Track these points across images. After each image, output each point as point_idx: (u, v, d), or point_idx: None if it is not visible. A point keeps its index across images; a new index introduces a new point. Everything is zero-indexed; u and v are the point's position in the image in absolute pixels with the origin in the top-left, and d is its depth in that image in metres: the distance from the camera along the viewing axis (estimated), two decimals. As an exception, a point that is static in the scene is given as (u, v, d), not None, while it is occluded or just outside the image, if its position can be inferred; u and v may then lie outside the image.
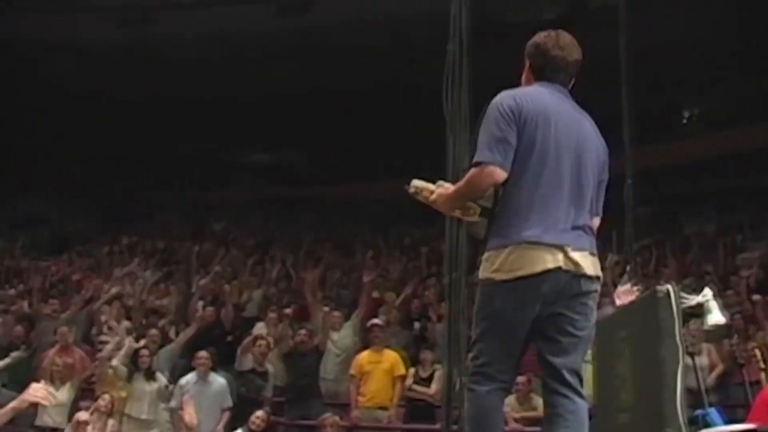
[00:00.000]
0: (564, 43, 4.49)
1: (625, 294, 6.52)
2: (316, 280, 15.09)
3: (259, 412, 10.69)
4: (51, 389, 5.24)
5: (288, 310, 13.24)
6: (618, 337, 6.10)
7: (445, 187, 4.45)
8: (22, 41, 23.31)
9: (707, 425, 5.90)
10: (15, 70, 23.43)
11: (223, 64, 23.42)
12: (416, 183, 4.52)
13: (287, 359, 12.49)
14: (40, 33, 23.19)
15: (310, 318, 13.85)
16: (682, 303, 5.68)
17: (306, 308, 14.36)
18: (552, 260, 4.14)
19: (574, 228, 4.23)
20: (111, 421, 11.04)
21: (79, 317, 13.68)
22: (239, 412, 11.23)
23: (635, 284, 6.53)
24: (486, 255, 4.28)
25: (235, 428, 10.94)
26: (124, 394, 11.61)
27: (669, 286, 5.60)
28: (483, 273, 4.27)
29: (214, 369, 11.80)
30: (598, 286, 4.34)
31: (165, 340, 12.86)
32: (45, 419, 11.52)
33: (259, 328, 13.26)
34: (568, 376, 4.25)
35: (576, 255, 4.19)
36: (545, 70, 4.49)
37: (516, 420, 11.66)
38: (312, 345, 12.56)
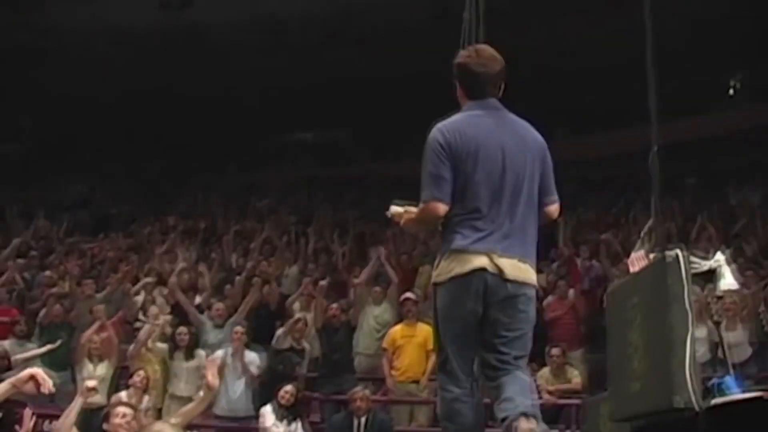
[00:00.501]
0: (484, 59, 4.86)
1: (638, 260, 6.41)
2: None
3: (288, 387, 10.67)
4: (46, 377, 5.18)
5: (322, 283, 13.13)
6: (629, 305, 6.02)
7: (410, 213, 4.98)
8: (64, 27, 23.54)
9: (722, 393, 5.76)
10: (55, 55, 23.74)
11: (263, 45, 23.50)
12: (392, 209, 5.10)
13: (321, 333, 12.52)
14: (81, 18, 23.36)
15: (346, 294, 13.84)
16: (693, 268, 5.58)
17: (343, 284, 14.36)
18: (478, 262, 4.61)
19: (506, 237, 4.68)
20: (146, 397, 11.13)
21: (116, 296, 13.76)
22: (270, 388, 11.24)
23: (650, 251, 6.39)
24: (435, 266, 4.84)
25: (265, 403, 10.95)
26: (157, 368, 11.72)
27: (678, 251, 5.50)
28: (431, 280, 4.90)
29: (247, 345, 11.84)
30: (528, 291, 4.74)
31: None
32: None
33: (298, 309, 13.25)
34: (510, 360, 4.68)
35: (503, 261, 4.63)
36: (474, 89, 4.86)
37: (550, 392, 11.59)
38: (344, 319, 12.55)
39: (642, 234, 6.77)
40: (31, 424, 5.86)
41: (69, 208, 22.53)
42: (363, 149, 29.02)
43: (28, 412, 5.96)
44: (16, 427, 5.42)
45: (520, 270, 4.69)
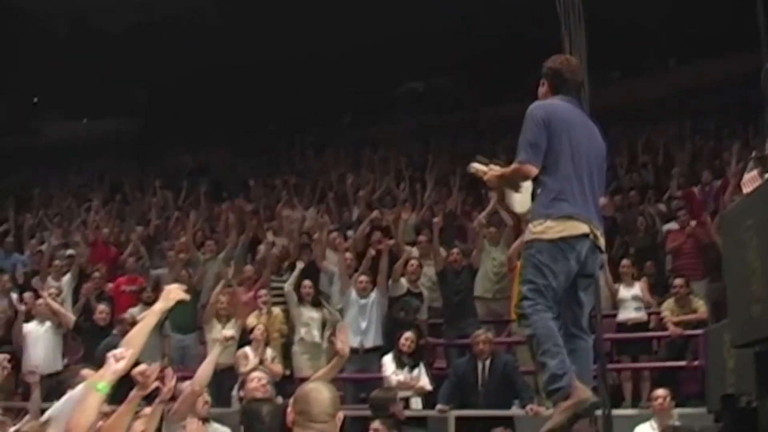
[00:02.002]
0: (574, 66, 5.87)
1: (751, 181, 6.23)
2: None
3: (408, 333, 10.76)
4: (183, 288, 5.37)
5: (436, 219, 13.13)
6: (744, 227, 5.83)
7: (494, 170, 5.71)
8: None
9: None
10: (165, 28, 24.17)
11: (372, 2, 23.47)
12: (475, 166, 5.86)
13: (441, 278, 12.53)
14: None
15: (465, 238, 13.82)
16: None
17: (461, 228, 14.34)
18: (585, 228, 5.41)
19: (593, 208, 5.52)
20: (269, 350, 11.37)
21: (238, 254, 14.01)
22: (390, 337, 11.34)
23: (763, 171, 6.21)
24: (534, 223, 5.47)
25: (386, 353, 11.05)
26: (278, 326, 11.95)
27: (791, 168, 5.33)
28: (530, 236, 5.49)
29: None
30: (600, 257, 5.71)
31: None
32: None
33: (417, 255, 13.29)
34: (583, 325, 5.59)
35: (596, 230, 5.48)
36: (561, 90, 5.71)
37: (675, 324, 11.42)
38: (466, 263, 12.52)
39: (753, 154, 6.58)
40: (173, 383, 6.01)
41: (186, 175, 22.93)
42: (472, 95, 28.84)
43: (170, 371, 6.11)
44: (159, 384, 5.55)
45: (601, 239, 5.52)
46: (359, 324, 11.84)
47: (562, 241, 5.33)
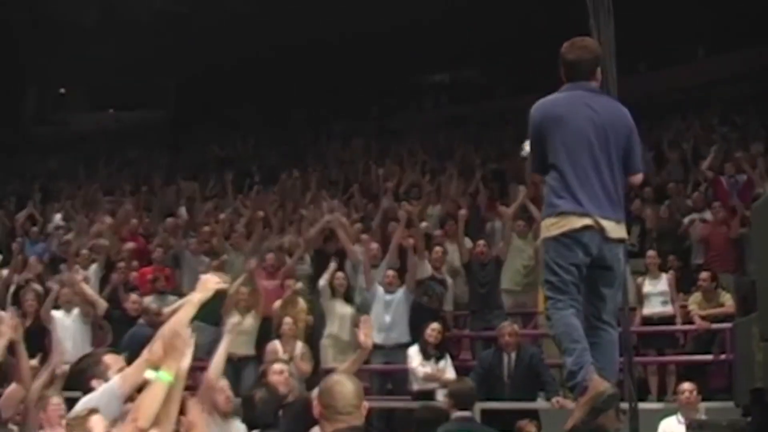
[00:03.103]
0: (577, 47, 5.64)
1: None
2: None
3: (434, 324, 10.72)
4: (222, 278, 5.36)
5: (462, 212, 13.11)
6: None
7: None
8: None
9: None
10: (193, 19, 24.25)
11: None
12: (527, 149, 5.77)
13: (467, 270, 12.54)
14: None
15: (484, 230, 13.81)
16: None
17: (483, 220, 14.32)
18: (587, 221, 5.31)
19: (599, 199, 5.36)
20: (299, 344, 11.34)
21: (263, 248, 14.03)
22: (416, 327, 11.33)
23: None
24: (542, 223, 5.58)
25: (411, 344, 11.04)
26: (303, 317, 11.94)
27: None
28: (541, 236, 5.63)
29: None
30: (621, 247, 5.53)
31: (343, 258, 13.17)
32: (232, 347, 11.87)
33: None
34: (603, 317, 5.48)
35: (602, 221, 5.33)
36: (570, 75, 5.62)
37: (703, 318, 11.36)
38: (492, 255, 12.51)
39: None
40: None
41: (214, 167, 23.01)
42: (498, 86, 28.80)
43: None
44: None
45: (614, 228, 5.38)
46: (384, 319, 11.80)
47: (563, 236, 5.33)
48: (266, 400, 6.40)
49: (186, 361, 4.50)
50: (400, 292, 11.91)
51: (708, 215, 13.50)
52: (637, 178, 5.70)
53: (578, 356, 5.21)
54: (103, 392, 4.85)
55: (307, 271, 13.33)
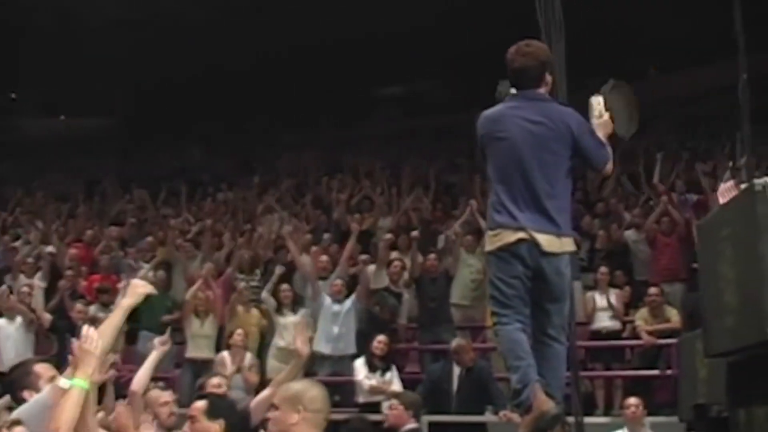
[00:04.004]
0: (522, 54, 5.54)
1: (728, 191, 6.24)
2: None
3: (381, 336, 10.73)
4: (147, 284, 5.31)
5: (415, 234, 13.16)
6: (719, 237, 5.86)
7: None
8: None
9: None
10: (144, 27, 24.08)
11: (351, 1, 23.46)
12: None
13: (417, 284, 12.58)
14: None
15: (435, 244, 13.83)
16: (783, 195, 5.40)
17: (433, 234, 14.36)
18: (521, 234, 5.26)
19: (533, 213, 5.30)
20: (249, 355, 11.31)
21: (217, 258, 13.98)
22: (366, 336, 11.31)
23: (739, 181, 6.22)
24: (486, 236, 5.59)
25: (358, 355, 11.03)
26: (254, 329, 11.90)
27: (767, 180, 5.33)
28: (486, 248, 5.57)
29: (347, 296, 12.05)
30: (563, 261, 5.41)
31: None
32: (193, 352, 11.91)
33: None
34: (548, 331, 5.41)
35: (536, 235, 5.27)
36: (516, 82, 5.57)
37: (649, 333, 11.46)
38: (442, 269, 12.54)
39: (730, 165, 6.60)
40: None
41: (165, 176, 22.88)
42: (452, 100, 28.86)
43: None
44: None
45: (549, 241, 5.31)
46: (332, 330, 11.78)
47: (500, 250, 5.32)
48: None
49: (97, 369, 4.45)
50: (348, 303, 11.92)
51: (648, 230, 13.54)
52: (607, 169, 5.69)
53: (523, 374, 5.18)
54: (34, 403, 4.78)
55: (256, 281, 13.27)
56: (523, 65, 5.52)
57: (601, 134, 5.61)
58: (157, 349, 7.44)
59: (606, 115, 5.68)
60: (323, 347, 11.76)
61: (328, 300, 11.93)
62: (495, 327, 5.43)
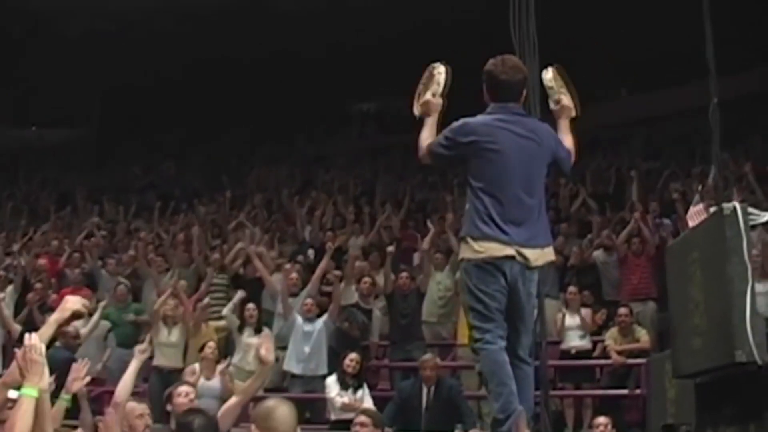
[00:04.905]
0: (509, 67, 5.55)
1: (697, 214, 6.32)
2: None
3: (353, 354, 10.71)
4: (83, 300, 5.29)
5: (390, 249, 13.17)
6: (689, 260, 5.93)
7: (431, 103, 5.85)
8: (126, 9, 23.83)
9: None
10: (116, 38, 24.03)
11: (326, 15, 23.53)
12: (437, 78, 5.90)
13: (389, 300, 12.58)
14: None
15: (410, 261, 13.85)
16: (752, 220, 5.48)
17: (407, 251, 14.37)
18: (510, 251, 5.27)
19: (523, 229, 5.33)
20: (219, 367, 11.26)
21: (187, 273, 13.95)
22: (337, 354, 11.29)
23: (709, 204, 6.29)
24: (462, 244, 5.45)
25: (331, 373, 11.00)
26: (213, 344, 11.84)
27: (735, 203, 5.40)
28: (460, 256, 5.46)
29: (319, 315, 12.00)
30: (536, 273, 5.49)
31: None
32: (161, 360, 11.88)
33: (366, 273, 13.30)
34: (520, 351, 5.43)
35: (525, 251, 5.30)
36: (500, 94, 5.53)
37: (619, 353, 11.51)
38: (413, 286, 12.56)
39: (700, 188, 6.67)
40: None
41: (136, 189, 22.82)
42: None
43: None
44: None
45: (535, 255, 5.36)
46: (303, 350, 11.75)
47: (485, 262, 5.26)
48: (205, 427, 6.29)
49: (46, 377, 4.45)
50: (320, 322, 11.88)
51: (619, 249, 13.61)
52: (571, 162, 5.78)
53: (506, 402, 5.12)
54: None
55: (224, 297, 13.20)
56: (510, 78, 5.52)
57: (566, 126, 5.86)
58: (136, 357, 7.44)
59: (566, 97, 5.92)
60: (294, 367, 11.74)
61: (299, 319, 11.90)
62: (476, 344, 5.31)
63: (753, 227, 5.57)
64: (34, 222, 18.76)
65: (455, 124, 5.53)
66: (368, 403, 10.61)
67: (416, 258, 14.26)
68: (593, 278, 13.52)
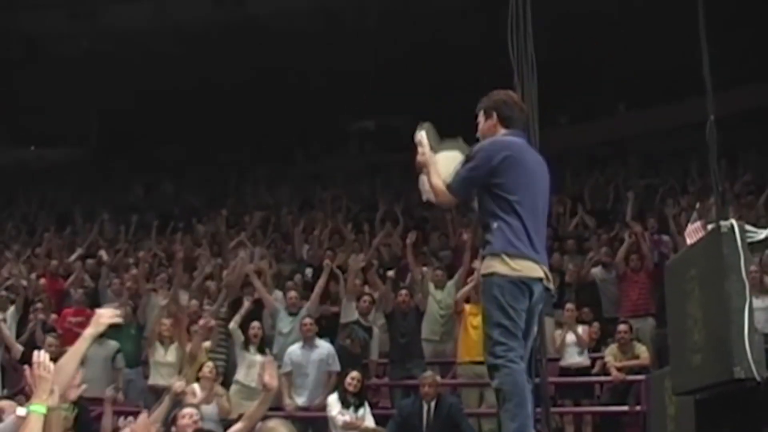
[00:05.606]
0: (519, 102, 5.85)
1: (695, 232, 6.36)
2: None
3: (354, 373, 10.74)
4: (116, 311, 5.35)
5: (390, 273, 13.20)
6: (687, 277, 5.97)
7: (429, 158, 5.76)
8: (123, 28, 23.93)
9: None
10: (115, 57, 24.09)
11: (323, 35, 23.62)
12: (422, 135, 5.86)
13: (389, 319, 12.61)
14: (138, 18, 23.74)
15: (404, 278, 13.88)
16: (749, 238, 5.52)
17: (404, 269, 14.40)
18: (540, 273, 5.41)
19: (543, 247, 5.53)
20: (219, 388, 11.28)
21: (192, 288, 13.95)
22: (338, 372, 11.31)
23: (706, 222, 6.33)
24: (493, 259, 5.39)
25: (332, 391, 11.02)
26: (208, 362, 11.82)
27: (733, 221, 5.44)
28: (489, 270, 5.39)
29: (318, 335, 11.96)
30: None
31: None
32: (157, 379, 11.88)
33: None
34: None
35: (547, 271, 5.48)
36: (512, 123, 5.67)
37: (619, 369, 11.53)
38: (413, 305, 12.58)
39: (697, 206, 6.71)
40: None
41: (135, 207, 22.82)
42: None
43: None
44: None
45: (551, 277, 5.59)
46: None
47: (520, 281, 5.32)
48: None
49: (55, 394, 4.49)
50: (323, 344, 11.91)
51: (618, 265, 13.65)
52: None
53: (521, 425, 5.15)
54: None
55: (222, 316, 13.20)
56: (522, 111, 5.80)
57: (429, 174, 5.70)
58: (170, 398, 7.86)
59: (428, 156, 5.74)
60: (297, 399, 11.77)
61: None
62: (499, 360, 5.27)
63: (751, 244, 5.61)
64: (31, 242, 18.76)
65: (479, 146, 5.58)
66: (370, 422, 10.65)
67: (412, 277, 14.28)
68: (592, 295, 13.55)
